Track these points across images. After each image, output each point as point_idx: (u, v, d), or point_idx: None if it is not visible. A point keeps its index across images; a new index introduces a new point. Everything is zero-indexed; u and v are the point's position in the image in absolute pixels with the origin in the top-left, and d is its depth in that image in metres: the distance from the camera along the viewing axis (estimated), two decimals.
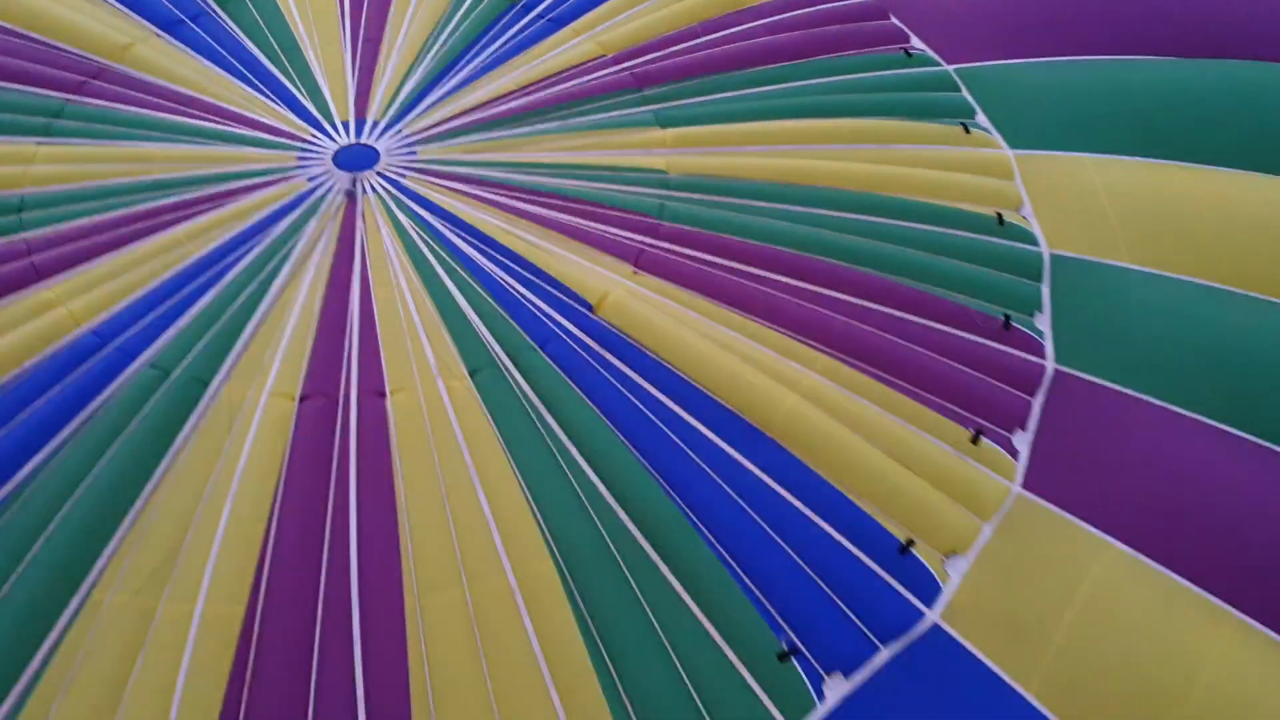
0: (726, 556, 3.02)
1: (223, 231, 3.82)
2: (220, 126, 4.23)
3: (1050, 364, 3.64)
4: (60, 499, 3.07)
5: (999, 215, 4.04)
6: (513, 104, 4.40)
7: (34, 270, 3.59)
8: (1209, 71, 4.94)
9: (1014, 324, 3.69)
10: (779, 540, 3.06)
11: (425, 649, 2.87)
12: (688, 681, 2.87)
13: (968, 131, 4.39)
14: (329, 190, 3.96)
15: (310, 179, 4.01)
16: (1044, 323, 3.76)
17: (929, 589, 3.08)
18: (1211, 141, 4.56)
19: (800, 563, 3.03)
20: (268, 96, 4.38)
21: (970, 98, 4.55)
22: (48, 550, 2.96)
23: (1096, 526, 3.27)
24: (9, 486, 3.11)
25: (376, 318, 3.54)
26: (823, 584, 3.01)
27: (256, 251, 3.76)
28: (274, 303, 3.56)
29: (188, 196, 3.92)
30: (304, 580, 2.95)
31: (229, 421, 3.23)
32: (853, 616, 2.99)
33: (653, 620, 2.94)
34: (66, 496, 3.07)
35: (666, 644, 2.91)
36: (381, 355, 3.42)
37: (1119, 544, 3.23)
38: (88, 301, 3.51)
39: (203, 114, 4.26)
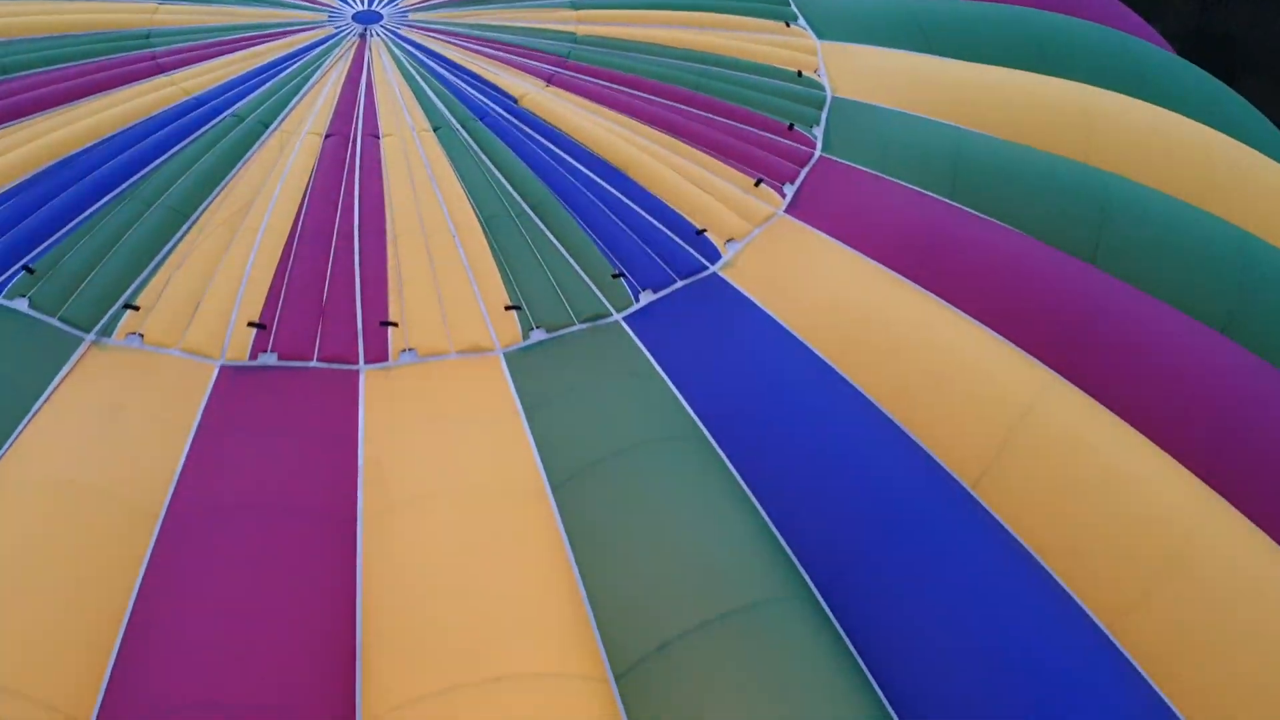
0: (582, 224, 4.91)
1: (286, 49, 5.75)
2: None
3: (819, 152, 5.54)
4: (167, 185, 4.92)
5: (799, 71, 5.99)
6: None
7: (158, 67, 5.51)
8: (983, 5, 6.96)
9: (795, 128, 5.60)
10: (614, 218, 4.95)
11: (400, 267, 4.71)
12: (558, 289, 4.72)
13: (788, 26, 6.36)
14: (350, 33, 5.90)
15: (337, 27, 5.95)
16: (819, 133, 5.67)
17: (714, 256, 4.94)
18: (975, 49, 6.53)
19: (628, 231, 4.92)
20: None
21: (795, 8, 6.53)
22: (163, 205, 4.82)
23: (835, 237, 5.13)
24: (126, 184, 4.94)
25: (375, 94, 5.47)
26: (643, 243, 4.88)
27: (307, 58, 5.71)
28: (317, 81, 5.51)
29: (265, 32, 5.87)
30: (324, 226, 4.80)
31: (280, 146, 5.12)
32: (660, 262, 4.85)
33: (538, 255, 4.80)
34: (172, 183, 4.93)
35: (545, 268, 4.77)
36: (377, 112, 5.34)
37: (849, 248, 5.10)
38: (197, 82, 5.44)
39: None
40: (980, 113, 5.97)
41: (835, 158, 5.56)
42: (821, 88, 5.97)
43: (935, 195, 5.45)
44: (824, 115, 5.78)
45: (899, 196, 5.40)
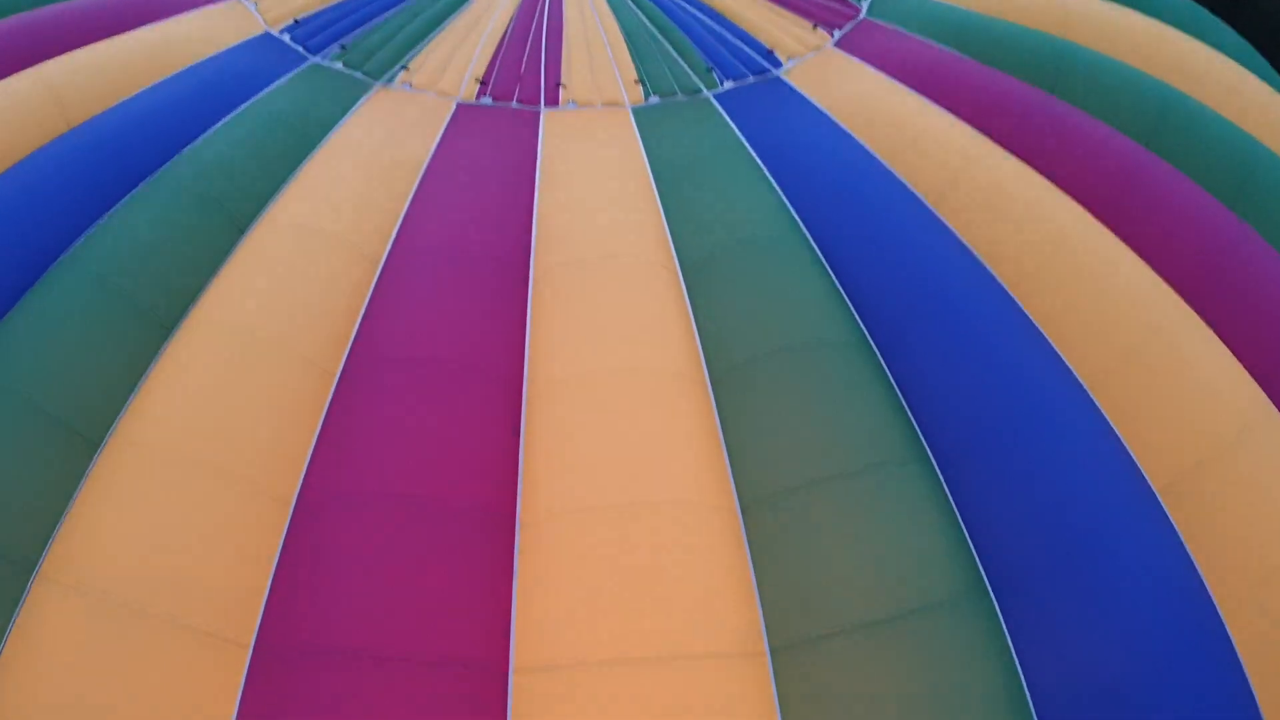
0: (689, 38, 7.39)
1: None
2: None
3: (863, 15, 7.88)
4: (434, 3, 7.58)
5: None
6: None
7: None
8: None
9: (847, 0, 7.97)
10: (710, 37, 7.41)
11: (570, 55, 7.23)
12: (669, 73, 7.17)
13: None
14: None
15: None
16: (865, 4, 8.01)
17: (778, 66, 7.33)
18: None
19: (719, 45, 7.35)
20: None
21: None
22: (428, 14, 7.47)
23: (870, 64, 7.45)
24: (405, 3, 7.62)
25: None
26: (728, 53, 7.31)
27: None
28: None
29: None
30: (524, 31, 7.39)
31: None
32: (739, 64, 7.27)
33: (657, 53, 7.30)
34: (437, 3, 7.59)
35: (662, 60, 7.23)
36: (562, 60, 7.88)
37: (880, 72, 7.41)
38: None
39: None
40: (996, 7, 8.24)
41: (876, 19, 7.90)
42: None
43: (951, 49, 7.73)
44: None
45: (921, 45, 7.70)
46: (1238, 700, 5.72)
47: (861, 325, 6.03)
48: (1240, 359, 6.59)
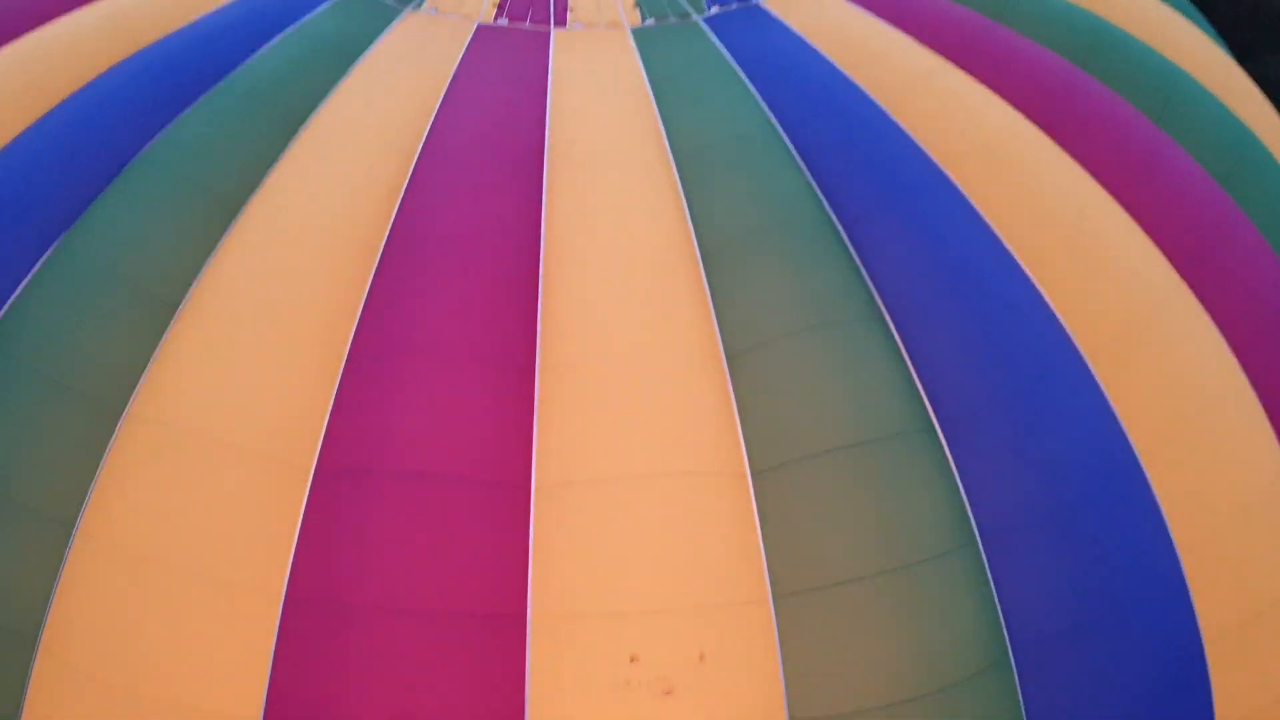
0: None
1: None
2: None
3: None
4: None
5: None
6: None
7: None
8: None
9: None
10: None
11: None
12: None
13: None
14: None
15: None
16: None
17: None
18: None
19: None
20: None
21: None
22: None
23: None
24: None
25: None
26: None
27: None
28: None
29: None
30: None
31: None
32: None
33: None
34: None
35: None
36: None
37: (852, 4, 8.44)
38: None
39: None
40: None
41: None
42: None
43: None
44: None
45: None
46: (1150, 517, 6.83)
47: (829, 209, 7.08)
48: (1155, 242, 7.70)
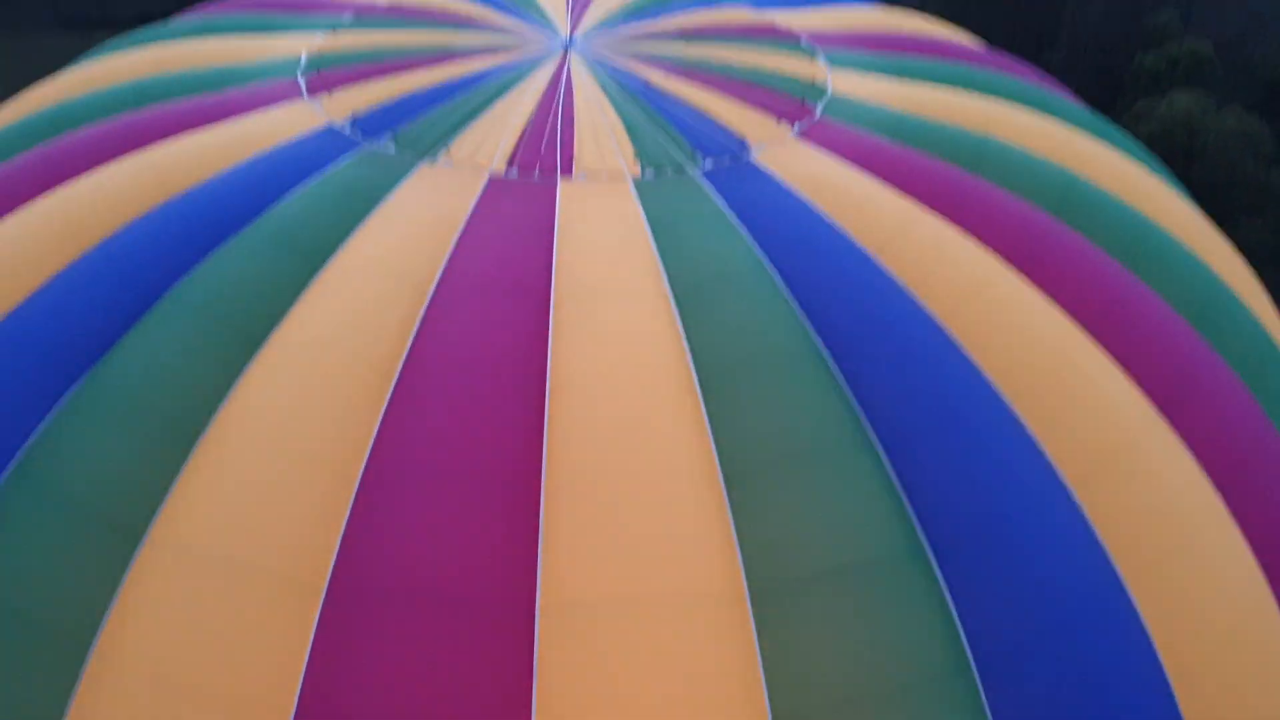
0: (677, 129, 9.06)
1: (488, 64, 10.14)
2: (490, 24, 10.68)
3: (819, 116, 9.61)
4: (477, 95, 9.29)
5: (813, 80, 10.14)
6: (684, 25, 10.73)
7: (325, 85, 9.92)
8: None
9: (805, 103, 9.70)
10: (695, 126, 9.09)
11: (580, 140, 8.88)
12: (665, 153, 8.81)
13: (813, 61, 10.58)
14: (553, 55, 10.30)
15: (544, 50, 10.36)
16: (820, 106, 9.75)
17: (749, 151, 8.98)
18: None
19: (702, 133, 9.03)
20: (525, 20, 10.82)
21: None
22: (467, 106, 9.15)
23: (825, 150, 9.13)
24: (458, 96, 9.30)
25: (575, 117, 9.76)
26: (709, 140, 8.98)
27: (505, 76, 10.05)
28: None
29: (472, 48, 10.30)
30: (542, 123, 9.04)
31: (527, 87, 9.47)
32: (718, 148, 8.91)
33: (654, 138, 8.93)
34: (478, 95, 9.30)
35: (658, 144, 8.89)
36: (574, 142, 9.60)
37: (833, 157, 9.08)
38: (366, 100, 9.83)
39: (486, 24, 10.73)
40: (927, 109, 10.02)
41: (829, 118, 9.64)
42: (826, 89, 10.09)
43: (888, 141, 9.46)
44: (824, 100, 9.90)
45: (867, 136, 9.42)
46: (1137, 637, 7.04)
47: (820, 343, 7.50)
48: (1132, 377, 8.10)
